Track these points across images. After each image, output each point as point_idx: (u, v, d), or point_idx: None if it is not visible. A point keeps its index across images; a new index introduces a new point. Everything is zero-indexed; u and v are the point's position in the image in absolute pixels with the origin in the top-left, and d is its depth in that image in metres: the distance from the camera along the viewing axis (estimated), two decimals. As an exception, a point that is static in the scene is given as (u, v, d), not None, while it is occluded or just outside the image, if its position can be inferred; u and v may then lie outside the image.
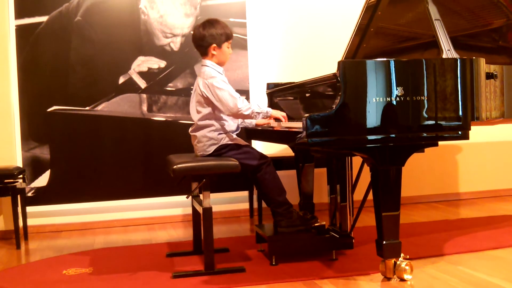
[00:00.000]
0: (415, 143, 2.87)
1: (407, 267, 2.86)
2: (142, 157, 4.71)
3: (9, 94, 4.47)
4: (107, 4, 4.61)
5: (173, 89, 4.74)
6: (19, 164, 4.48)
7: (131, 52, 4.67)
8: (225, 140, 3.34)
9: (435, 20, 3.13)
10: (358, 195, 3.39)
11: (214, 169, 3.13)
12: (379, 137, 2.77)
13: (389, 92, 2.77)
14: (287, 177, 4.18)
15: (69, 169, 4.58)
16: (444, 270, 3.06)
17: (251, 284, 2.93)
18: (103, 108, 4.62)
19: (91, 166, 4.61)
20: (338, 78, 2.74)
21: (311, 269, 3.13)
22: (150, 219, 4.81)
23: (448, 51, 3.01)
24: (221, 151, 3.33)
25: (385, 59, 2.80)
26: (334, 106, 2.73)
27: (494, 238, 3.73)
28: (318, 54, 5.00)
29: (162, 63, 4.73)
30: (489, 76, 3.07)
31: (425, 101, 2.82)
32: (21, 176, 4.22)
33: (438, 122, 2.84)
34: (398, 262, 2.87)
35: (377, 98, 2.76)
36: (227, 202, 4.96)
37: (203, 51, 3.40)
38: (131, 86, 4.67)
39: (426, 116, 2.82)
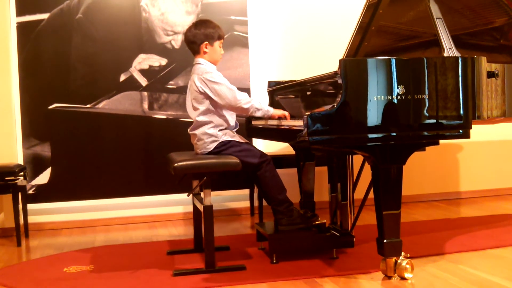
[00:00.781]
0: (416, 142, 2.86)
1: (407, 266, 2.86)
2: (143, 155, 4.71)
3: (10, 91, 4.47)
4: (108, 1, 4.61)
5: (174, 87, 4.74)
6: (20, 161, 4.48)
7: (132, 49, 4.67)
8: (225, 137, 3.34)
9: (436, 18, 3.13)
10: (359, 193, 3.39)
11: (215, 167, 3.13)
12: (380, 135, 2.77)
13: (390, 91, 2.77)
14: (288, 175, 4.17)
15: (70, 167, 4.58)
16: (444, 269, 3.06)
17: (252, 282, 2.93)
18: (104, 105, 4.62)
19: (92, 164, 4.61)
20: (339, 77, 2.74)
21: (312, 267, 3.13)
22: (151, 217, 4.81)
23: (449, 49, 3.01)
24: (221, 148, 3.33)
25: (386, 57, 2.80)
26: (335, 104, 2.73)
27: (495, 237, 3.73)
28: (319, 52, 5.00)
29: (163, 61, 4.72)
30: (490, 74, 3.07)
31: (426, 100, 2.82)
32: (22, 173, 4.22)
33: (439, 120, 2.84)
34: (398, 261, 2.87)
35: (378, 97, 2.75)
36: (228, 200, 4.96)
37: (196, 49, 3.42)
38: (132, 84, 4.67)
39: (427, 114, 2.82)
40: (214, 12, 4.77)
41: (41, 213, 4.57)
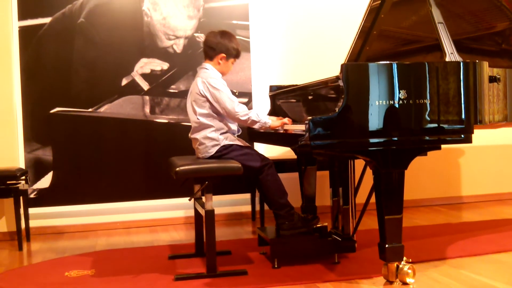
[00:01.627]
0: (417, 147, 2.86)
1: (409, 271, 2.86)
2: (145, 159, 4.71)
3: (12, 95, 4.47)
4: (110, 6, 4.62)
5: (176, 91, 4.74)
6: (22, 165, 4.48)
7: (134, 54, 4.67)
8: (227, 141, 3.34)
9: (438, 23, 3.13)
10: (361, 198, 3.38)
11: (217, 171, 3.13)
12: (381, 140, 2.77)
13: (391, 95, 2.77)
14: (289, 180, 4.17)
15: (72, 171, 4.58)
16: (446, 273, 3.05)
17: (253, 287, 2.93)
18: (105, 110, 4.62)
19: (93, 168, 4.61)
20: (341, 81, 2.74)
21: (313, 272, 3.12)
22: (152, 221, 4.81)
23: (451, 54, 3.01)
24: (223, 152, 3.33)
25: (388, 62, 2.80)
26: (336, 109, 2.73)
27: (496, 241, 3.72)
28: (320, 56, 5.00)
29: (165, 65, 4.73)
30: (492, 79, 3.07)
31: (428, 104, 2.82)
32: (23, 177, 4.22)
33: (441, 125, 2.84)
34: (400, 266, 2.86)
35: (380, 101, 2.75)
36: (229, 205, 4.96)
37: (210, 56, 3.43)
38: (133, 88, 4.68)
39: (429, 119, 2.82)
40: (216, 17, 4.78)
41: (43, 217, 4.57)
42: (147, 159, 4.71)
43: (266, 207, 3.72)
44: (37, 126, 4.52)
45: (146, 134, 4.70)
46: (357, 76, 2.76)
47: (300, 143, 2.78)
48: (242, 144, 3.38)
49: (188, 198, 3.43)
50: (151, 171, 4.71)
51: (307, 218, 3.36)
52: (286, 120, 3.38)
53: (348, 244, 3.29)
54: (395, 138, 2.78)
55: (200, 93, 3.31)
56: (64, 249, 4.02)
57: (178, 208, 4.83)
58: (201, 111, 3.33)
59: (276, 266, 3.23)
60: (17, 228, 4.05)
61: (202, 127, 3.34)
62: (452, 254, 3.43)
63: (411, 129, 2.80)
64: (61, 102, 4.56)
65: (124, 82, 4.66)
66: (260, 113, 3.38)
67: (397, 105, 2.77)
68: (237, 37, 4.69)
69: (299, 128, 3.04)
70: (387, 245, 2.85)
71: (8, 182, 4.03)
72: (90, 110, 4.60)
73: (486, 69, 3.01)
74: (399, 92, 2.78)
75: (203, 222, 3.18)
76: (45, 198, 4.53)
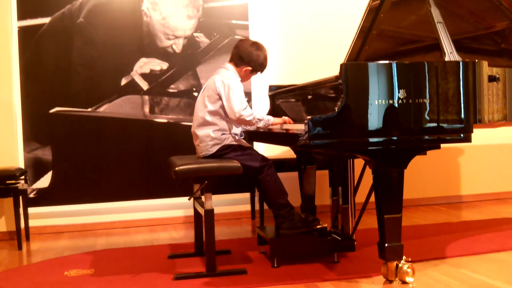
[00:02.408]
0: (417, 146, 2.86)
1: (409, 270, 2.86)
2: (144, 159, 4.71)
3: (11, 95, 4.47)
4: (109, 5, 4.62)
5: (175, 91, 4.74)
6: (21, 165, 4.48)
7: (133, 53, 4.67)
8: (229, 141, 3.35)
9: (437, 22, 3.13)
10: (360, 197, 3.39)
11: (216, 171, 3.13)
12: (381, 139, 2.77)
13: (391, 95, 2.77)
14: (289, 179, 4.17)
15: (71, 171, 4.58)
16: (446, 272, 3.05)
17: (253, 286, 2.93)
18: (105, 109, 4.62)
19: (93, 168, 4.61)
20: (340, 81, 2.74)
21: (313, 272, 3.12)
22: (151, 221, 4.81)
23: (450, 53, 3.02)
24: (223, 151, 3.33)
25: (387, 61, 2.80)
26: (336, 108, 2.73)
27: (496, 241, 3.72)
28: (320, 56, 5.00)
29: (164, 65, 4.73)
30: (492, 78, 3.07)
31: (427, 104, 2.82)
32: (23, 177, 4.22)
33: (440, 124, 2.84)
34: (400, 265, 2.87)
35: (379, 101, 2.76)
36: (229, 204, 4.96)
37: (237, 62, 3.43)
38: (133, 88, 4.68)
39: (428, 118, 2.82)
40: (216, 17, 4.78)
41: (42, 216, 4.57)
42: (146, 158, 4.71)
43: (265, 206, 3.72)
44: (37, 126, 4.52)
45: (145, 133, 4.70)
46: (356, 76, 2.76)
47: (299, 143, 2.79)
48: (242, 145, 3.38)
49: (188, 197, 3.43)
50: (150, 170, 4.71)
51: (308, 219, 3.36)
52: (287, 118, 3.38)
53: (347, 243, 3.29)
54: (395, 138, 2.78)
55: (216, 89, 3.31)
56: (63, 248, 4.02)
57: (178, 207, 4.83)
58: (211, 107, 3.33)
59: (275, 265, 3.23)
60: (16, 228, 4.05)
61: (207, 124, 3.34)
62: (452, 253, 3.43)
63: (410, 128, 2.81)
64: (60, 101, 4.56)
65: (124, 81, 4.66)
66: (261, 111, 3.39)
67: (396, 105, 2.78)
68: (236, 37, 4.71)
69: (299, 127, 3.04)
70: (386, 244, 2.85)
71: (7, 181, 4.03)
72: (89, 109, 4.60)
73: (486, 69, 3.01)
74: (399, 92, 2.78)
75: (203, 222, 3.18)
76: (44, 198, 4.53)
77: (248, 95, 4.83)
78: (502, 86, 3.18)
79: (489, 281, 2.89)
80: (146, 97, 4.69)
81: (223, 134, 3.35)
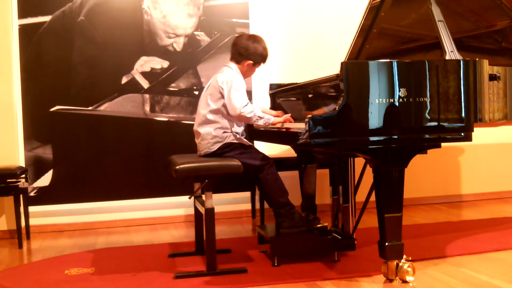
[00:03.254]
0: (417, 145, 2.86)
1: (409, 269, 2.86)
2: (145, 157, 4.71)
3: (12, 93, 4.47)
4: (110, 4, 4.62)
5: (176, 89, 4.74)
6: (22, 163, 4.48)
7: (134, 52, 4.67)
8: (230, 139, 3.35)
9: (438, 21, 3.13)
10: (361, 196, 3.39)
11: (217, 170, 3.13)
12: (381, 138, 2.76)
13: (391, 93, 2.77)
14: (289, 178, 4.17)
15: (72, 169, 4.59)
16: (446, 272, 3.05)
17: (253, 285, 2.93)
18: (105, 108, 4.62)
19: (93, 166, 4.62)
20: (341, 79, 2.74)
21: (313, 270, 3.12)
22: (152, 219, 4.81)
23: (451, 52, 3.01)
24: (224, 149, 3.33)
25: (388, 60, 2.80)
26: (336, 107, 2.73)
27: (496, 240, 3.72)
28: (320, 55, 5.00)
29: (165, 63, 4.73)
30: (492, 77, 3.07)
31: (428, 103, 2.82)
32: (23, 175, 4.22)
33: (441, 123, 2.83)
34: (400, 264, 2.87)
35: (380, 99, 2.75)
36: (229, 203, 4.96)
37: (237, 59, 3.44)
38: (133, 86, 4.67)
39: (429, 117, 2.82)
40: (216, 15, 4.77)
41: (43, 215, 4.57)
42: (147, 157, 4.71)
43: (266, 205, 3.73)
44: (37, 124, 4.52)
45: (146, 132, 4.70)
46: (357, 74, 2.76)
47: (300, 141, 2.78)
48: (243, 143, 3.38)
49: (188, 196, 3.43)
50: (151, 169, 4.71)
51: (308, 218, 3.36)
52: (288, 116, 3.37)
53: (348, 242, 3.29)
54: (395, 136, 2.78)
55: (219, 88, 3.32)
56: (64, 247, 4.02)
57: (178, 206, 4.83)
58: (214, 106, 3.33)
59: (276, 264, 3.24)
60: (17, 226, 4.05)
61: (209, 122, 3.34)
62: (452, 252, 3.43)
63: (411, 127, 2.80)
64: (61, 100, 4.56)
65: (124, 80, 4.66)
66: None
67: (397, 103, 2.77)
68: (237, 35, 4.70)
69: (299, 126, 3.04)
70: (387, 243, 2.85)
71: (8, 180, 4.04)
72: (90, 108, 4.60)
73: (486, 68, 3.00)
74: (399, 90, 2.78)
75: (203, 220, 3.18)
76: (45, 196, 4.54)
77: (249, 93, 4.82)
78: (503, 85, 3.17)
79: (490, 280, 2.89)
80: (147, 96, 4.69)
81: (224, 132, 3.35)
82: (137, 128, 4.68)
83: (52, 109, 4.55)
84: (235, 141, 3.35)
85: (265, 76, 4.93)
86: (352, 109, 2.73)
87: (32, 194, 4.50)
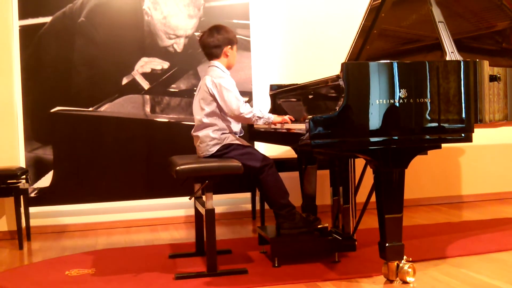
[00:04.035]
0: (418, 146, 2.86)
1: (409, 270, 2.86)
2: (145, 158, 4.71)
3: (12, 94, 4.47)
4: (110, 5, 4.62)
5: (176, 90, 4.74)
6: (22, 164, 4.48)
7: (135, 53, 4.67)
8: (229, 140, 3.35)
9: (438, 22, 3.13)
10: (361, 197, 3.39)
11: (217, 171, 3.13)
12: (382, 139, 2.77)
13: (392, 94, 2.77)
14: (290, 179, 4.17)
15: (72, 170, 4.59)
16: (446, 272, 3.05)
17: (254, 286, 2.93)
18: (106, 109, 4.63)
19: (94, 167, 4.62)
20: (341, 80, 2.74)
21: (314, 271, 3.12)
22: (152, 220, 4.81)
23: (451, 53, 3.01)
24: (224, 151, 3.33)
25: (388, 61, 2.80)
26: (337, 108, 2.73)
27: (497, 240, 3.72)
28: (321, 55, 5.00)
29: (166, 64, 4.73)
30: (493, 78, 3.07)
31: (428, 104, 2.82)
32: (24, 176, 4.22)
33: (441, 124, 2.84)
34: (400, 265, 2.87)
35: (380, 100, 2.75)
36: (230, 204, 4.96)
37: (217, 54, 3.44)
38: (134, 87, 4.68)
39: (429, 118, 2.82)
40: (217, 16, 4.78)
41: (43, 216, 4.57)
42: (147, 158, 4.71)
43: (266, 206, 3.73)
44: (38, 125, 4.52)
45: (146, 133, 4.70)
46: (357, 75, 2.76)
47: (300, 142, 2.78)
48: (243, 144, 3.38)
49: (189, 197, 3.43)
50: (151, 170, 4.71)
51: (309, 219, 3.36)
52: (287, 117, 3.37)
53: (348, 243, 3.29)
54: (396, 137, 2.78)
55: (209, 91, 3.32)
56: (64, 248, 4.03)
57: (179, 207, 4.83)
58: (208, 109, 3.33)
59: (276, 265, 3.23)
60: (17, 227, 4.05)
61: (206, 125, 3.34)
62: (453, 253, 3.43)
63: (411, 128, 2.80)
64: (61, 101, 4.56)
65: (125, 81, 4.66)
66: (262, 109, 3.39)
67: (397, 104, 2.77)
68: (238, 36, 4.70)
69: (300, 127, 3.04)
70: (387, 244, 2.85)
71: (8, 181, 4.04)
72: (90, 109, 4.60)
73: (487, 68, 3.01)
74: (400, 91, 2.78)
75: (204, 221, 3.18)
76: (45, 197, 4.54)
77: (249, 94, 4.84)
78: (503, 86, 3.17)
79: (490, 281, 2.89)
80: (147, 97, 4.69)
81: (223, 133, 3.35)
82: (137, 129, 4.68)
83: (52, 110, 4.55)
84: (234, 142, 3.35)
85: (266, 77, 4.93)
86: (352, 110, 2.73)
87: (32, 195, 4.50)
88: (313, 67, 4.92)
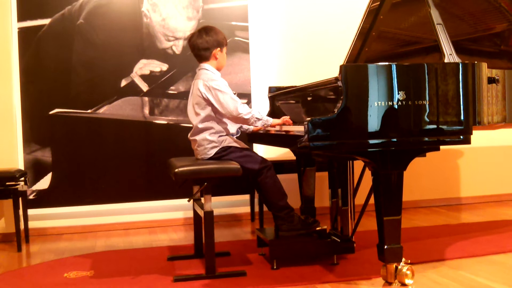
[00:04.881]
0: (416, 148, 2.86)
1: (408, 272, 2.85)
2: (144, 160, 4.71)
3: (11, 96, 4.47)
4: (109, 7, 4.62)
5: (175, 92, 4.74)
6: (21, 166, 4.48)
7: (133, 55, 4.68)
8: (226, 142, 3.34)
9: (437, 24, 3.13)
10: (360, 199, 3.39)
11: (216, 173, 3.13)
12: (380, 141, 2.77)
13: (390, 96, 2.77)
14: (289, 181, 4.17)
15: (71, 172, 4.58)
16: (445, 274, 3.05)
17: (252, 288, 2.93)
18: (105, 111, 4.63)
19: (92, 169, 4.61)
20: (340, 82, 2.74)
21: (312, 273, 3.12)
22: (151, 222, 4.81)
23: (450, 55, 3.01)
24: (222, 153, 3.32)
25: (387, 63, 2.80)
26: (335, 110, 2.73)
27: (495, 243, 3.72)
28: (320, 57, 5.01)
29: (164, 66, 4.73)
30: (491, 80, 3.07)
31: (427, 106, 2.82)
32: (22, 178, 4.22)
33: (440, 126, 2.84)
34: (399, 267, 2.86)
35: (379, 102, 2.75)
36: (228, 206, 4.96)
37: (206, 56, 3.41)
38: (133, 89, 4.68)
39: (428, 120, 2.82)
40: (215, 18, 4.78)
41: (42, 218, 4.57)
42: (146, 160, 4.71)
43: (265, 208, 3.72)
44: (37, 127, 4.52)
45: (145, 135, 4.70)
46: (356, 77, 2.76)
47: (299, 144, 2.78)
48: (241, 146, 3.38)
49: (187, 199, 3.43)
50: (150, 172, 4.71)
51: (307, 221, 3.36)
52: (287, 118, 3.37)
53: (347, 245, 3.29)
54: (394, 139, 2.78)
55: (202, 95, 3.30)
56: (63, 250, 4.02)
57: (177, 209, 4.83)
58: (203, 114, 3.32)
59: (275, 267, 3.23)
60: (16, 229, 4.05)
61: (202, 129, 3.34)
62: (451, 255, 3.43)
63: (410, 130, 2.80)
64: (60, 103, 4.56)
65: (124, 83, 4.66)
66: (261, 111, 3.38)
67: (396, 106, 2.78)
68: (236, 38, 4.72)
69: (298, 129, 3.04)
70: (386, 246, 2.85)
71: (7, 183, 4.04)
72: (89, 111, 4.60)
73: (485, 70, 3.01)
74: (398, 93, 2.78)
75: (202, 223, 3.17)
76: (44, 199, 4.53)
77: (247, 96, 4.84)
78: (502, 88, 3.18)
79: (488, 283, 2.89)
80: (146, 99, 4.69)
81: (220, 136, 3.34)
82: (136, 131, 4.68)
83: (51, 112, 4.55)
84: (232, 145, 3.34)
85: (264, 79, 4.93)
86: (351, 112, 2.73)
87: (31, 197, 4.49)
88: (311, 69, 4.93)
